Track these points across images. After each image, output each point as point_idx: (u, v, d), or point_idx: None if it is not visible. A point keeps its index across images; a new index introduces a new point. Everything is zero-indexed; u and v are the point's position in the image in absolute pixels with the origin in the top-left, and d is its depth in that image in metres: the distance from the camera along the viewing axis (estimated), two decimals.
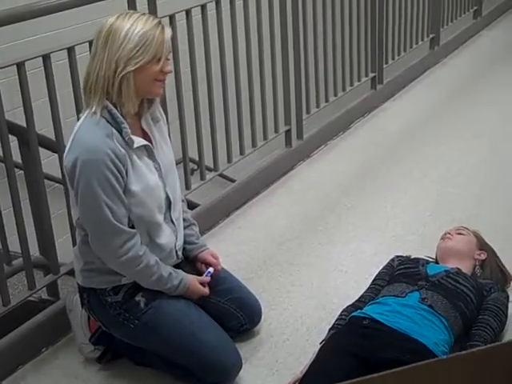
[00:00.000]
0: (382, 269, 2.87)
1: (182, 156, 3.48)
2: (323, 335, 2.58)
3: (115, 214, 2.29)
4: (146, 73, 2.28)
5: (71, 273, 2.83)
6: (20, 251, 2.77)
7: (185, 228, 2.64)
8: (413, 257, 2.91)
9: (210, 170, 3.78)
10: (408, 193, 3.87)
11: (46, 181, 2.86)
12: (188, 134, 3.48)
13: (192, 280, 2.52)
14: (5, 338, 2.69)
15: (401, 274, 2.77)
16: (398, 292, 2.59)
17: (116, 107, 2.29)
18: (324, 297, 2.99)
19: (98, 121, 2.27)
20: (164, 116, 2.58)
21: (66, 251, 3.01)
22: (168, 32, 2.34)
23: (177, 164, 2.65)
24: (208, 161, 3.71)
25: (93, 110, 2.28)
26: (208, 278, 2.59)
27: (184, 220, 2.65)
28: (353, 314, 2.56)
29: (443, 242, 2.91)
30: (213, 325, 2.51)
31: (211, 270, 2.62)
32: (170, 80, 3.22)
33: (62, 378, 2.65)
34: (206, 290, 2.57)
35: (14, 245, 2.88)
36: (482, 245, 2.92)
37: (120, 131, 2.29)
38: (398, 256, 2.93)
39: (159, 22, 2.32)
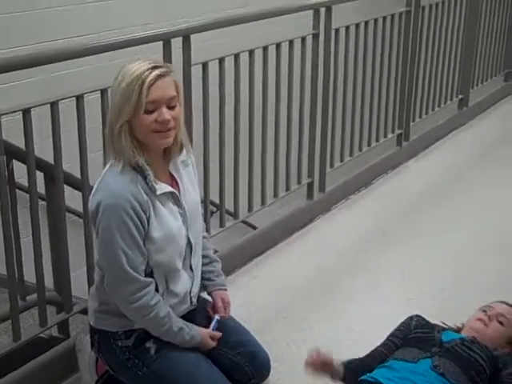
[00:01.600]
0: (399, 326, 2.83)
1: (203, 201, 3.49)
2: None
3: (130, 261, 2.28)
4: (139, 125, 2.24)
5: (83, 311, 2.84)
6: (32, 283, 2.79)
7: (206, 265, 2.63)
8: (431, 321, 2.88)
9: (230, 214, 3.78)
10: (427, 255, 3.84)
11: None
12: (211, 179, 3.50)
13: (204, 336, 2.50)
14: (12, 374, 2.68)
15: (415, 337, 2.73)
16: (410, 357, 2.56)
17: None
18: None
19: (123, 167, 2.28)
20: (194, 160, 2.57)
21: (78, 286, 3.02)
22: (167, 78, 2.23)
23: None
24: (228, 206, 3.72)
25: (113, 159, 2.30)
26: (219, 334, 2.55)
27: (206, 257, 2.64)
28: (362, 377, 2.52)
29: (476, 323, 2.79)
30: (221, 378, 2.48)
31: (218, 317, 2.58)
32: (197, 124, 3.27)
33: None
34: (214, 344, 2.54)
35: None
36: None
37: (145, 177, 2.30)
38: (417, 315, 2.88)
39: (152, 68, 2.20)
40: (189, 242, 2.46)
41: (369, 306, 3.34)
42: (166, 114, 2.23)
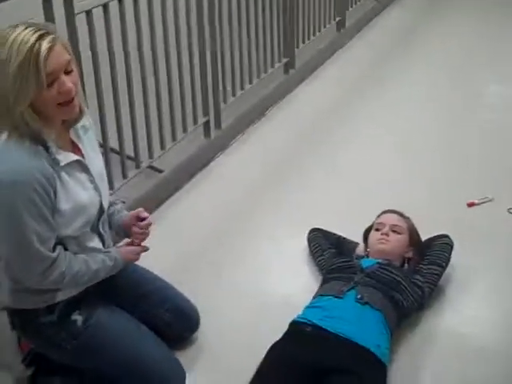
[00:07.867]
0: (315, 246, 3.12)
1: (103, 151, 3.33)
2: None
3: (40, 238, 2.11)
4: (43, 103, 2.03)
5: None
6: None
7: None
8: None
9: (130, 158, 3.65)
10: (329, 178, 3.92)
11: None
12: (108, 127, 3.36)
13: (123, 253, 2.42)
14: None
15: (337, 268, 2.82)
16: (336, 291, 2.63)
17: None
18: (260, 297, 2.97)
19: (22, 141, 2.06)
20: (92, 122, 2.40)
21: None
22: (57, 44, 2.00)
23: None
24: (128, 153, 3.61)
25: (7, 134, 2.07)
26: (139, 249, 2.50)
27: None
28: (294, 319, 2.56)
29: (378, 244, 2.91)
30: (153, 338, 2.44)
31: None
32: (89, 75, 3.11)
33: None
34: (138, 257, 2.50)
35: None
36: (412, 240, 2.97)
37: (47, 148, 2.11)
38: (314, 229, 3.21)
39: (39, 38, 1.95)
40: (101, 208, 2.34)
41: (283, 241, 3.35)
42: (67, 82, 2.04)
